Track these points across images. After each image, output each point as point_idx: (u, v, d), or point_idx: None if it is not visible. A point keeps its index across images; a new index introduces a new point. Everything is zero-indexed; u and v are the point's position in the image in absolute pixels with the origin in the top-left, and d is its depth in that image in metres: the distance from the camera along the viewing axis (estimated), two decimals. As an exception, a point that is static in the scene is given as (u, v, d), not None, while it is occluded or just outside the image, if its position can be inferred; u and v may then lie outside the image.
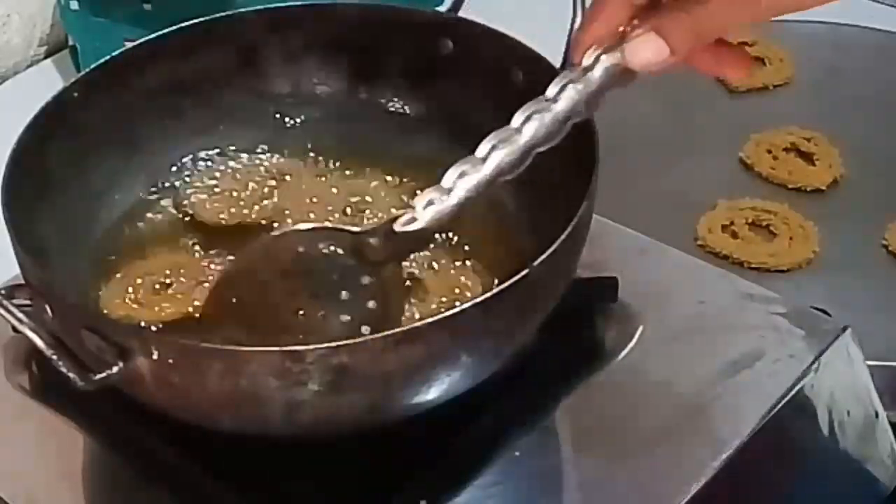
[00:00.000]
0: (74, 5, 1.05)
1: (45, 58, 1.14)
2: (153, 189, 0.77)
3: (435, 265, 0.70)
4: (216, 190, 0.77)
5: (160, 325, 0.68)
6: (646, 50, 0.58)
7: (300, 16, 0.78)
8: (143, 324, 0.68)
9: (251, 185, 0.77)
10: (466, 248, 0.71)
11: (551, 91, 0.61)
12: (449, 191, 0.62)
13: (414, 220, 0.62)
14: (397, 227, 0.62)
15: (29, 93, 0.93)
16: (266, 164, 0.79)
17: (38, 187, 0.68)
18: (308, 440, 0.63)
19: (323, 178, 0.78)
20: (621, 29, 0.60)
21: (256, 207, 0.76)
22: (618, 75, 0.61)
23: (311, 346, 0.55)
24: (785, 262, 0.87)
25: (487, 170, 0.61)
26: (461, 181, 0.61)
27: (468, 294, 0.69)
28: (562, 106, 0.61)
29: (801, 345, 0.71)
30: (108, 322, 0.60)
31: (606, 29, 0.61)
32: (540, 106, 0.61)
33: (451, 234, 0.72)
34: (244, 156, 0.79)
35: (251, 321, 0.64)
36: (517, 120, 0.61)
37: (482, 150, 0.61)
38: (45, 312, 0.60)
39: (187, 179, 0.78)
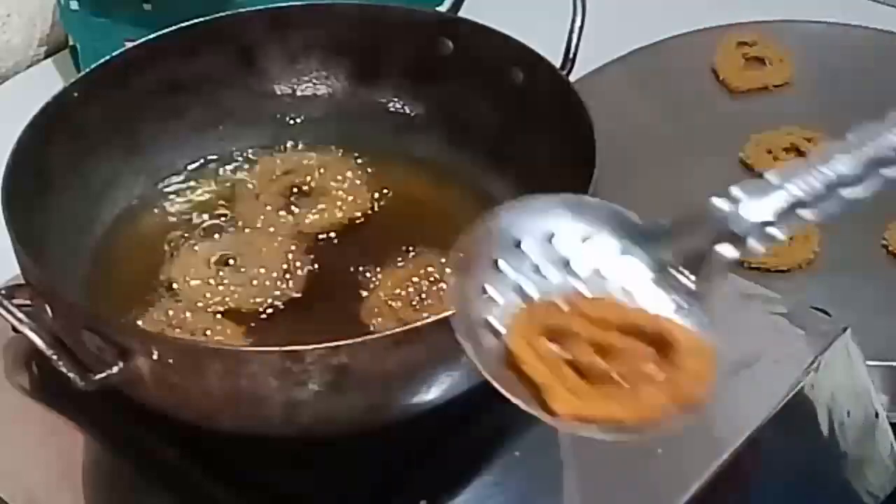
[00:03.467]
0: (74, 5, 1.05)
1: (45, 58, 1.14)
2: (153, 189, 0.77)
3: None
4: (216, 189, 0.77)
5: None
6: None
7: (300, 16, 0.78)
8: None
9: (251, 184, 0.78)
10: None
11: None
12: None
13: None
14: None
15: (29, 93, 0.93)
16: (265, 163, 0.79)
17: (38, 187, 0.68)
18: (308, 440, 0.63)
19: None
20: None
21: (255, 206, 0.76)
22: None
23: (311, 346, 0.56)
24: (785, 262, 0.86)
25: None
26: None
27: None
28: None
29: (801, 345, 0.71)
30: (108, 322, 0.60)
31: None
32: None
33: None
34: (244, 155, 0.79)
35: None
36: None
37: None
38: (45, 312, 0.60)
39: (187, 179, 0.78)
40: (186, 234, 0.74)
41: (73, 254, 0.71)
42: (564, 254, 0.54)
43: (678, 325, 0.52)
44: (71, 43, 1.11)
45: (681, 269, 0.54)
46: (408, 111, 0.79)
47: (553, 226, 0.54)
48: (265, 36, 0.78)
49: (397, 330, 0.56)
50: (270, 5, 0.78)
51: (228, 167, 0.79)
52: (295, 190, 0.77)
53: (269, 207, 0.75)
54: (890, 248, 0.88)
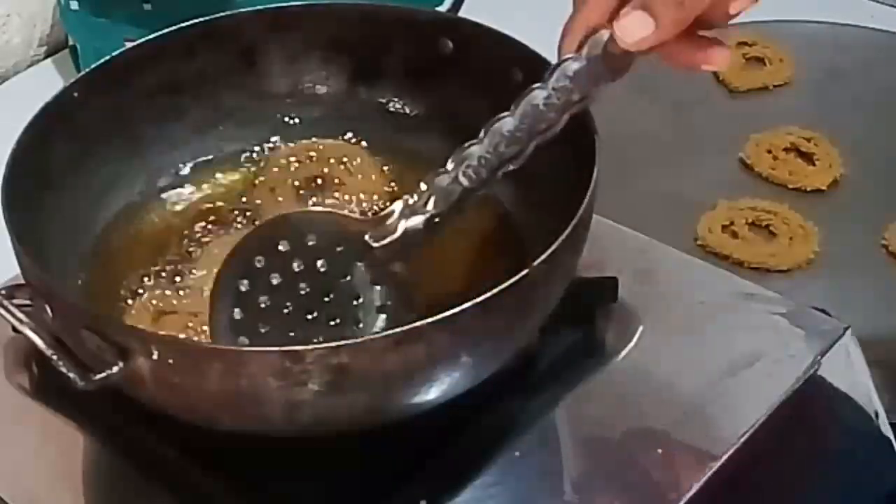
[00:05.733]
0: (74, 5, 1.05)
1: (45, 58, 1.14)
2: (153, 189, 0.77)
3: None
4: (216, 189, 0.78)
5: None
6: (633, 26, 0.59)
7: (300, 16, 0.78)
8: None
9: (250, 184, 0.78)
10: (466, 247, 0.72)
11: (546, 81, 0.62)
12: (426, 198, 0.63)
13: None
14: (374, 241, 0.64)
15: (29, 93, 0.93)
16: (265, 163, 0.79)
17: (38, 187, 0.68)
18: (308, 440, 0.63)
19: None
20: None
21: (253, 207, 0.76)
22: (610, 61, 0.61)
23: (311, 346, 0.56)
24: (785, 262, 0.87)
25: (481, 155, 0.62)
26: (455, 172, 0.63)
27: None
28: (558, 96, 0.62)
29: (801, 345, 0.71)
30: (108, 322, 0.60)
31: (598, 15, 0.61)
32: (532, 96, 0.62)
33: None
34: (244, 156, 0.79)
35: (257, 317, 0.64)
36: (513, 110, 0.62)
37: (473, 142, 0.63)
38: (45, 312, 0.60)
39: (187, 179, 0.78)
40: (193, 236, 0.74)
41: (73, 254, 0.71)
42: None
43: None
44: (71, 43, 1.11)
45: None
46: (408, 111, 0.79)
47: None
48: (265, 36, 0.78)
49: (397, 330, 0.56)
50: (270, 5, 0.78)
51: (228, 167, 0.79)
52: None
53: (281, 199, 0.76)
54: (890, 248, 0.88)
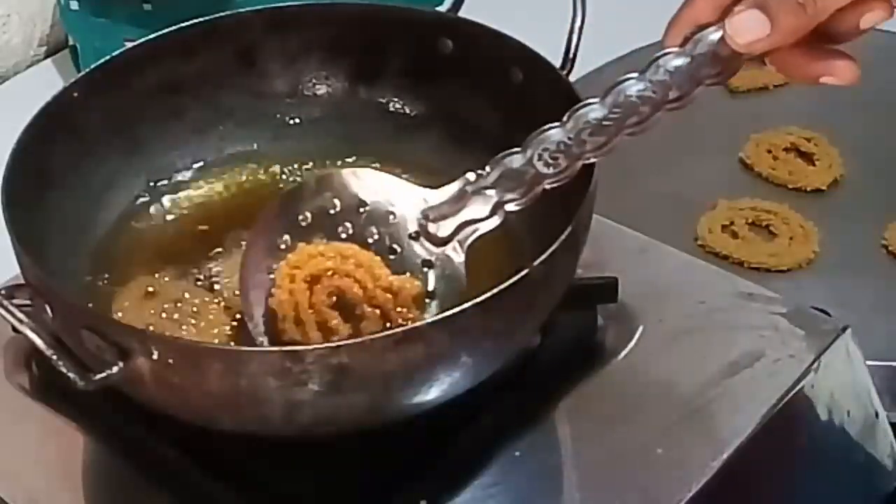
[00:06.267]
0: (74, 5, 1.05)
1: (45, 58, 1.14)
2: (153, 189, 0.77)
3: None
4: (216, 190, 0.78)
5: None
6: (747, 25, 0.54)
7: (300, 16, 0.78)
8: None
9: (250, 184, 0.78)
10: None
11: (643, 72, 0.58)
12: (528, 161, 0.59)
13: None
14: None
15: (29, 93, 0.93)
16: (265, 163, 0.79)
17: (38, 187, 0.68)
18: (308, 440, 0.63)
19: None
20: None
21: (254, 207, 0.76)
22: (716, 62, 0.57)
23: (311, 346, 0.56)
24: (785, 262, 0.86)
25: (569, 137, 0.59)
26: (540, 162, 0.59)
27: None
28: (654, 90, 0.58)
29: (801, 345, 0.71)
30: (108, 322, 0.60)
31: (709, 11, 0.57)
32: (625, 85, 0.58)
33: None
34: (244, 156, 0.79)
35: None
36: (601, 98, 0.59)
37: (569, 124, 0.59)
38: (45, 312, 0.60)
39: (187, 179, 0.78)
40: (194, 236, 0.74)
41: (73, 254, 0.71)
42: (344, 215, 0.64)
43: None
44: (71, 43, 1.11)
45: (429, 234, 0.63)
46: (408, 111, 0.79)
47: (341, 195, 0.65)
48: (265, 36, 0.78)
49: (397, 330, 0.56)
50: (270, 5, 0.78)
51: (228, 167, 0.79)
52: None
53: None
54: (890, 248, 0.88)
